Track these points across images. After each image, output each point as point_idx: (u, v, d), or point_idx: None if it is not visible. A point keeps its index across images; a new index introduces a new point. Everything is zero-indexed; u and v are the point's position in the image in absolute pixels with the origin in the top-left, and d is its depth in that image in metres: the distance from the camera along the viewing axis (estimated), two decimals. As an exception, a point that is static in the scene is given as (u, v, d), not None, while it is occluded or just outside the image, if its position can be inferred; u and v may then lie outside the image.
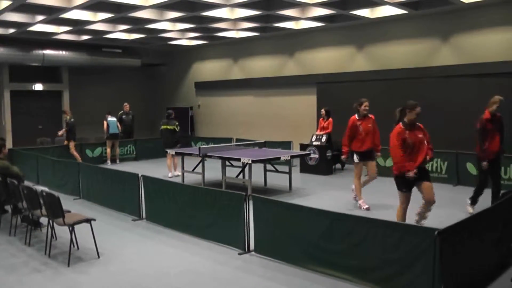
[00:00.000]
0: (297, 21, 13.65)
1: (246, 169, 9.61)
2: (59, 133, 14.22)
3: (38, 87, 17.61)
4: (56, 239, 6.64)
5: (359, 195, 8.37)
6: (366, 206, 8.22)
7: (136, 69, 19.39)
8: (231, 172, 10.30)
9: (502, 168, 8.82)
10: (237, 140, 15.63)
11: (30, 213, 6.70)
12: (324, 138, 12.19)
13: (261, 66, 16.66)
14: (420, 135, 5.97)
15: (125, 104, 15.73)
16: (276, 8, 11.62)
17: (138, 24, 13.44)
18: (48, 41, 15.97)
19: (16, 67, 16.62)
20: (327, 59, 14.70)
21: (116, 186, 8.57)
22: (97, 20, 12.66)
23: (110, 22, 13.32)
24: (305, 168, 12.46)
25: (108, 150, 14.66)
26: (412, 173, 5.80)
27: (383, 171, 10.38)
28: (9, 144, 14.88)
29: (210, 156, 10.20)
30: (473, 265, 4.81)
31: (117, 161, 14.82)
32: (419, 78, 12.47)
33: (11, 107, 16.78)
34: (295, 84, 15.45)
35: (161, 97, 20.57)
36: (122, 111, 15.59)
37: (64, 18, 12.52)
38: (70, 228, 5.83)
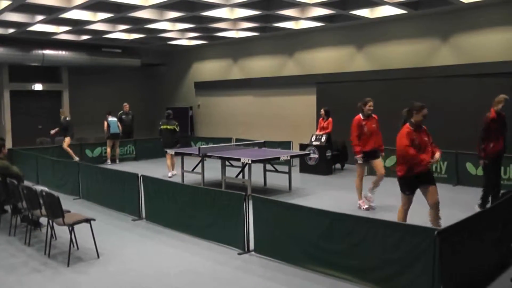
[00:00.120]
0: (297, 21, 13.65)
1: (246, 169, 9.61)
2: (52, 132, 14.27)
3: (38, 87, 17.61)
4: (55, 239, 6.63)
5: (359, 196, 8.37)
6: (366, 206, 8.22)
7: (136, 69, 19.39)
8: (231, 172, 10.29)
9: (502, 168, 8.81)
10: (237, 140, 15.64)
11: (29, 213, 6.70)
12: (323, 138, 12.19)
13: (261, 66, 16.66)
14: (425, 138, 5.91)
15: (125, 104, 15.73)
16: (276, 8, 11.61)
17: (137, 24, 13.44)
18: (47, 41, 15.96)
19: (16, 67, 16.62)
20: (327, 59, 14.70)
21: (116, 186, 8.56)
22: (97, 20, 12.65)
23: (110, 22, 13.32)
24: (305, 168, 12.46)
25: (108, 149, 14.67)
26: (430, 161, 5.78)
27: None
28: (8, 144, 14.86)
29: (209, 156, 10.20)
30: (473, 265, 4.81)
31: (117, 161, 14.82)
32: (418, 78, 12.47)
33: (11, 107, 16.79)
34: (294, 84, 15.45)
35: (161, 97, 20.57)
36: (121, 111, 15.59)
37: (63, 18, 12.52)
38: (70, 228, 5.83)
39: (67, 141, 13.72)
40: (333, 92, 14.27)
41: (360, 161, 8.16)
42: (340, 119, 12.90)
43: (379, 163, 8.28)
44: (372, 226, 4.84)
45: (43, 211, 6.24)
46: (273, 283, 5.14)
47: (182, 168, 11.10)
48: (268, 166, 10.77)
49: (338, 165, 12.93)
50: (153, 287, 5.14)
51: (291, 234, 5.61)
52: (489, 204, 7.42)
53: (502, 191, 7.17)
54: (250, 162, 9.15)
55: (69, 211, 6.33)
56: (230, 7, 11.73)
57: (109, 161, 14.60)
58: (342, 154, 12.85)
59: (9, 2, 10.61)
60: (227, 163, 10.22)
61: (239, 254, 6.06)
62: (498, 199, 6.50)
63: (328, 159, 12.21)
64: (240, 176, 9.98)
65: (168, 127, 12.22)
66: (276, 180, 10.73)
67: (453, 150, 10.53)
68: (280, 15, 12.35)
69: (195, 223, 6.86)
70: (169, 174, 11.92)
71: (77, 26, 13.52)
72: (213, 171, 11.01)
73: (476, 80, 11.44)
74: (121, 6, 11.49)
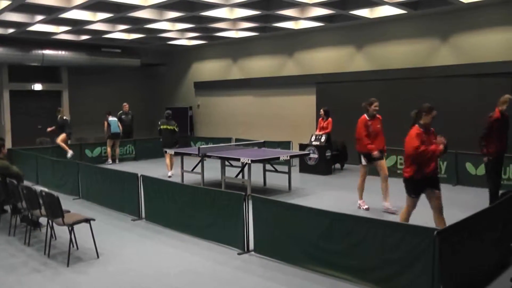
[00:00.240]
0: (297, 21, 13.66)
1: (246, 169, 9.61)
2: (49, 129, 14.31)
3: (38, 87, 17.60)
4: (55, 239, 6.63)
5: (360, 196, 8.34)
6: (366, 207, 8.22)
7: (136, 69, 19.39)
8: (231, 172, 10.29)
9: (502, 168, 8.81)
10: (237, 140, 15.64)
11: (29, 213, 6.70)
12: (323, 138, 12.19)
13: (261, 66, 16.66)
14: (434, 140, 5.83)
15: (125, 104, 15.73)
16: (276, 8, 11.62)
17: (137, 24, 13.44)
18: (47, 41, 15.96)
19: (16, 67, 16.61)
20: (327, 59, 14.70)
21: (116, 186, 8.56)
22: (97, 20, 12.65)
23: (110, 22, 13.31)
24: (305, 168, 12.46)
25: (109, 149, 14.69)
26: (441, 147, 5.65)
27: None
28: (8, 144, 14.85)
29: (209, 156, 10.20)
30: (473, 265, 4.82)
31: (117, 161, 14.83)
32: (418, 78, 12.48)
33: (11, 107, 16.77)
34: (294, 84, 15.45)
35: (161, 97, 20.57)
36: (121, 111, 15.59)
37: (63, 18, 12.52)
38: (70, 228, 5.83)
39: (61, 137, 13.78)
40: (332, 92, 14.27)
41: (365, 162, 8.10)
42: (339, 119, 12.93)
43: (383, 164, 8.19)
44: (372, 226, 4.84)
45: (43, 211, 6.23)
46: (273, 283, 5.14)
47: (182, 168, 11.10)
48: (268, 166, 10.76)
49: (337, 165, 12.93)
50: (153, 287, 5.14)
51: (291, 234, 5.61)
52: None
53: (502, 191, 7.18)
54: (249, 162, 9.15)
55: (68, 211, 6.32)
56: (229, 7, 11.73)
57: (110, 160, 14.62)
58: (341, 154, 12.85)
59: (9, 2, 10.60)
60: (226, 163, 10.22)
61: (238, 254, 6.06)
62: (498, 199, 6.51)
63: (328, 159, 12.21)
64: (240, 176, 9.98)
65: (168, 127, 12.24)
66: (276, 180, 10.73)
67: (452, 150, 10.50)
68: (279, 15, 12.35)
69: (194, 223, 6.86)
70: (169, 173, 11.93)
71: (77, 26, 13.52)
72: (212, 171, 11.00)
73: (475, 80, 11.44)
74: (120, 6, 11.49)
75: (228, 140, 15.75)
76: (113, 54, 18.01)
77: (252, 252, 6.05)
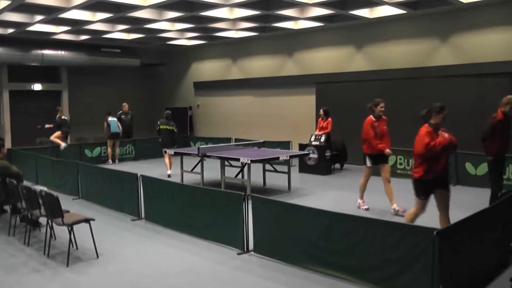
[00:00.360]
0: (296, 21, 13.66)
1: (245, 169, 9.60)
2: (47, 126, 14.37)
3: (37, 87, 17.59)
4: (55, 239, 6.62)
5: (360, 195, 8.31)
6: (366, 207, 8.21)
7: (135, 69, 19.38)
8: (230, 172, 10.29)
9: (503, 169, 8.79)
10: (236, 140, 15.64)
11: (29, 213, 6.69)
12: (323, 138, 12.19)
13: (260, 66, 16.66)
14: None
15: (124, 104, 15.74)
16: (275, 8, 11.61)
17: (137, 24, 13.43)
18: (47, 41, 15.95)
19: (15, 67, 16.60)
20: (326, 59, 14.70)
21: (115, 186, 8.56)
22: (96, 20, 12.65)
23: (109, 22, 13.31)
24: (304, 168, 12.46)
25: (109, 149, 14.70)
26: (447, 136, 5.56)
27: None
28: (8, 144, 14.84)
29: (209, 156, 10.20)
30: (473, 265, 4.81)
31: (116, 161, 14.84)
32: (418, 78, 12.48)
33: (10, 107, 16.77)
34: (294, 84, 15.45)
35: (160, 97, 20.56)
36: (121, 111, 15.60)
37: (63, 18, 12.51)
38: (69, 228, 5.83)
39: (55, 134, 13.88)
40: (332, 92, 14.28)
41: (370, 164, 8.01)
42: (339, 119, 12.95)
43: (387, 168, 8.09)
44: (371, 226, 4.84)
45: (43, 211, 6.23)
46: (273, 283, 5.14)
47: (182, 168, 11.10)
48: (268, 166, 10.76)
49: (337, 165, 12.93)
50: (152, 287, 5.14)
51: (290, 234, 5.61)
52: None
53: (501, 191, 7.17)
54: (249, 162, 9.15)
55: (68, 211, 6.32)
56: (229, 7, 11.73)
57: (110, 160, 14.62)
58: (341, 154, 12.86)
59: (9, 2, 10.60)
60: (226, 163, 10.23)
61: (238, 254, 6.06)
62: (498, 199, 6.51)
63: (328, 159, 12.21)
64: (240, 176, 9.98)
65: (168, 127, 12.27)
66: (276, 180, 10.73)
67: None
68: (279, 15, 12.35)
69: (194, 223, 6.86)
70: (168, 173, 11.97)
71: (77, 26, 13.51)
72: (212, 171, 11.00)
73: (475, 80, 11.45)
74: (120, 6, 11.49)
75: (228, 140, 15.75)
76: (113, 54, 18.01)
77: (252, 252, 6.04)
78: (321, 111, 12.44)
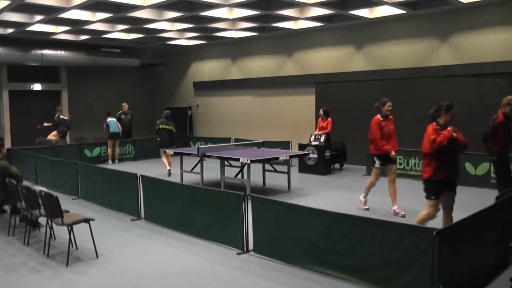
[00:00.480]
0: (296, 21, 13.66)
1: (245, 169, 9.60)
2: (45, 124, 14.43)
3: (37, 87, 17.59)
4: (54, 239, 6.62)
5: (365, 193, 8.20)
6: (366, 207, 8.17)
7: (135, 69, 19.38)
8: (230, 172, 10.29)
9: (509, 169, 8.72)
10: (236, 140, 15.64)
11: (28, 213, 6.69)
12: (322, 138, 12.18)
13: (260, 66, 16.66)
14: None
15: (124, 104, 15.74)
16: (275, 8, 11.61)
17: (136, 24, 13.43)
18: (46, 41, 15.95)
19: (15, 67, 16.60)
20: (326, 59, 14.70)
21: (115, 186, 8.56)
22: (96, 20, 12.65)
23: (109, 22, 13.31)
24: (304, 168, 12.46)
25: (109, 149, 14.71)
26: (451, 129, 5.44)
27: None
28: (8, 144, 14.85)
29: (208, 156, 10.20)
30: (472, 264, 4.81)
31: (116, 161, 14.83)
32: (417, 78, 12.49)
33: (10, 107, 16.78)
34: (293, 84, 15.45)
35: (160, 97, 20.56)
36: (120, 111, 15.59)
37: (62, 18, 12.51)
38: (69, 228, 5.82)
39: (53, 133, 14.02)
40: (332, 92, 14.28)
41: (379, 165, 7.87)
42: (339, 119, 12.94)
43: (394, 168, 8.02)
44: (371, 226, 4.84)
45: (42, 211, 6.23)
46: (272, 283, 5.14)
47: (181, 168, 11.09)
48: (267, 166, 10.76)
49: (337, 165, 12.93)
50: (152, 287, 5.14)
51: (290, 234, 5.61)
52: None
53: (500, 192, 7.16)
54: (249, 162, 9.15)
55: (68, 211, 6.32)
56: (229, 7, 11.73)
57: (110, 161, 14.63)
58: (341, 154, 12.86)
59: (8, 2, 10.60)
60: (226, 163, 10.22)
61: (238, 254, 6.06)
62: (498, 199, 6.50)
63: (327, 159, 12.20)
64: (239, 176, 9.98)
65: (167, 127, 12.31)
66: (275, 180, 10.72)
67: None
68: (279, 15, 12.35)
69: (194, 223, 6.86)
70: (168, 168, 12.02)
71: (76, 26, 13.51)
72: (212, 171, 11.00)
73: (475, 80, 11.45)
74: (120, 6, 11.49)
75: (228, 140, 15.75)
76: (113, 54, 18.01)
77: (252, 252, 6.04)
78: (321, 111, 12.44)
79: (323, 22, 13.41)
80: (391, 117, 7.96)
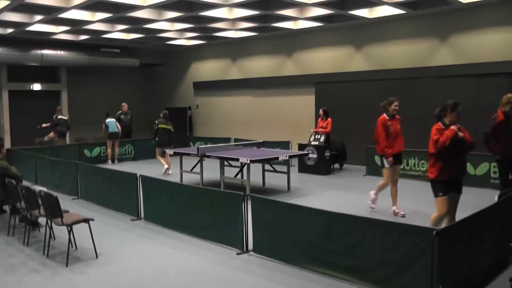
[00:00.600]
0: (296, 21, 13.65)
1: (245, 169, 9.60)
2: (43, 125, 14.47)
3: (37, 87, 17.60)
4: (54, 239, 6.62)
5: (376, 192, 8.06)
6: (373, 205, 8.05)
7: (135, 69, 19.38)
8: (230, 172, 10.29)
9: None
10: (236, 140, 15.63)
11: (28, 213, 6.69)
12: (322, 138, 12.18)
13: (260, 66, 16.66)
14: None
15: (124, 104, 15.73)
16: (275, 8, 11.61)
17: (136, 24, 13.43)
18: (46, 41, 15.95)
19: (15, 67, 16.60)
20: (326, 59, 14.70)
21: (115, 186, 8.56)
22: (96, 20, 12.65)
23: (109, 22, 13.31)
24: (304, 168, 12.45)
25: (109, 150, 14.71)
26: (455, 128, 5.36)
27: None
28: (7, 144, 14.85)
29: (208, 156, 10.20)
30: (472, 264, 4.81)
31: (116, 161, 14.83)
32: (417, 78, 12.49)
33: (10, 107, 16.78)
34: (293, 84, 15.46)
35: (160, 97, 20.56)
36: (120, 111, 15.59)
37: (62, 18, 12.51)
38: (69, 228, 5.82)
39: (51, 134, 14.14)
40: (331, 92, 14.28)
41: (388, 165, 7.63)
42: (339, 119, 12.94)
43: (398, 169, 7.95)
44: (370, 226, 4.83)
45: (42, 211, 6.22)
46: (272, 283, 5.14)
47: (181, 168, 11.09)
48: (267, 166, 10.76)
49: (337, 165, 12.93)
50: (152, 287, 5.13)
51: (290, 234, 5.61)
52: None
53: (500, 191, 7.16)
54: (248, 162, 9.15)
55: (67, 211, 6.32)
56: (228, 7, 11.73)
57: (109, 161, 14.62)
58: (341, 154, 12.85)
59: (8, 2, 10.59)
60: (225, 163, 10.22)
61: (237, 254, 6.06)
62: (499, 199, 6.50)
63: (327, 159, 12.20)
64: (239, 176, 9.97)
65: (166, 126, 12.35)
66: (275, 180, 10.72)
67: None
68: (279, 15, 12.35)
69: (193, 223, 6.85)
70: (166, 166, 12.03)
71: (76, 26, 13.51)
72: (211, 171, 11.00)
73: (475, 80, 11.45)
74: (119, 6, 11.49)
75: (227, 140, 15.74)
76: (112, 54, 18.01)
77: (251, 252, 6.04)
78: (321, 111, 12.43)
79: (323, 22, 13.41)
80: (397, 116, 7.82)
